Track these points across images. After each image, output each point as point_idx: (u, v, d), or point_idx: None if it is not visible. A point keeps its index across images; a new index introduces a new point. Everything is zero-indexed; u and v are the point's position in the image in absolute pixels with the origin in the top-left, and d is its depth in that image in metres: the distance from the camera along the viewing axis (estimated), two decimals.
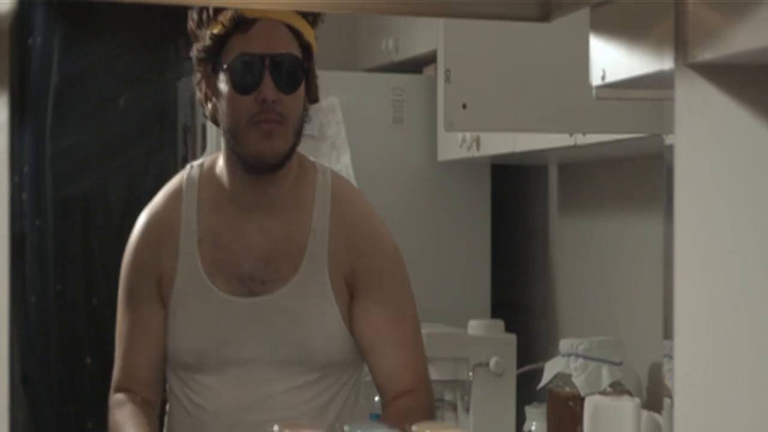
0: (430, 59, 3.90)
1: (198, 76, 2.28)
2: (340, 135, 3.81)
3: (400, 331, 2.31)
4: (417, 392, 2.30)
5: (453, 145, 3.71)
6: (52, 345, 4.94)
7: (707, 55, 1.30)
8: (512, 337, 3.52)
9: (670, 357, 1.36)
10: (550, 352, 3.53)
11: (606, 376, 3.01)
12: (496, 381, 3.46)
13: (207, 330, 2.27)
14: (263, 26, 2.21)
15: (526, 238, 4.13)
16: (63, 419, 4.97)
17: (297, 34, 2.23)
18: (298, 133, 2.26)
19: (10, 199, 1.18)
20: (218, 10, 2.22)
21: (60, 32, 4.95)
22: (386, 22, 4.28)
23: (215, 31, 2.22)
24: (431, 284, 3.88)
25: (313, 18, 2.28)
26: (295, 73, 2.22)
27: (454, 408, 3.54)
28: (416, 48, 4.05)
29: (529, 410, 3.35)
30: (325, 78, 3.97)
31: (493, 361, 3.44)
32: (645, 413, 2.62)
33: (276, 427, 2.05)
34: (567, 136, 2.93)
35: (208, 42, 2.23)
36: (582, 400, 2.64)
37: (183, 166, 4.39)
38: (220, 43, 2.23)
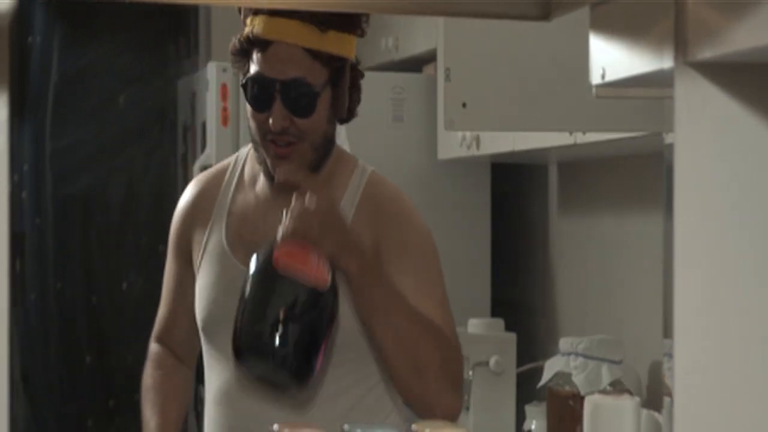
0: (430, 58, 3.90)
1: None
2: (340, 134, 3.80)
3: (428, 298, 2.25)
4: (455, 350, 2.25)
5: (453, 144, 3.71)
6: (52, 344, 4.95)
7: (707, 53, 1.30)
8: (512, 336, 3.52)
9: (670, 356, 1.36)
10: (550, 350, 3.53)
11: (606, 375, 3.01)
12: (496, 380, 3.46)
13: (220, 299, 2.28)
14: (277, 49, 2.18)
15: (526, 237, 4.13)
16: (63, 418, 4.97)
17: (318, 55, 2.18)
18: (320, 148, 2.24)
19: (10, 198, 1.18)
20: (249, 13, 2.21)
21: (60, 31, 4.95)
22: (386, 20, 4.28)
23: (241, 37, 2.21)
24: None
25: (350, 26, 2.22)
26: (308, 98, 2.19)
27: None
28: (416, 47, 4.05)
29: (529, 409, 3.36)
30: None
31: (493, 360, 3.44)
32: (645, 412, 2.62)
33: (276, 427, 2.05)
34: (567, 134, 2.93)
35: (236, 45, 2.23)
36: (582, 398, 2.64)
37: (183, 165, 4.38)
38: (246, 51, 2.22)
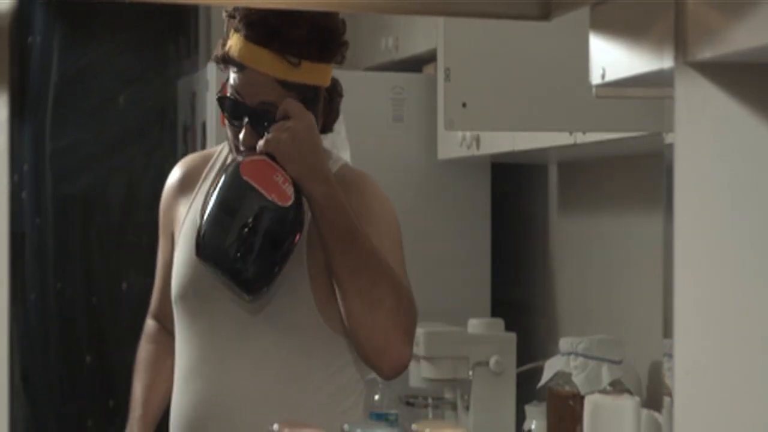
0: (430, 58, 3.90)
1: None
2: (341, 134, 3.81)
3: (389, 258, 2.27)
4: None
5: (453, 144, 3.71)
6: (51, 343, 4.94)
7: (707, 53, 1.30)
8: (512, 336, 3.52)
9: (670, 355, 1.36)
10: (550, 350, 3.53)
11: (606, 375, 3.01)
12: (496, 380, 3.46)
13: (189, 274, 2.33)
14: (250, 74, 2.23)
15: (526, 237, 4.13)
16: (63, 418, 4.97)
17: (288, 85, 2.22)
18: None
19: (10, 198, 1.18)
20: (231, 25, 2.26)
21: (60, 31, 4.95)
22: (386, 20, 4.28)
23: (220, 52, 2.28)
24: (431, 283, 3.88)
25: (328, 57, 2.28)
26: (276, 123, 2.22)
27: (454, 407, 3.54)
28: (416, 47, 4.05)
29: (529, 409, 3.36)
30: None
31: (493, 360, 3.44)
32: (645, 412, 2.62)
33: (275, 426, 2.06)
34: (567, 134, 2.93)
35: (218, 55, 2.29)
36: (582, 398, 2.64)
37: None
38: (224, 61, 2.28)
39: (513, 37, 2.40)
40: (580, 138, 2.89)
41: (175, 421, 2.39)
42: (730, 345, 1.35)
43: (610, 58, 1.55)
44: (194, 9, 5.00)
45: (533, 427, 3.29)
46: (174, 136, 4.84)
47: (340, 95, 2.38)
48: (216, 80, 3.92)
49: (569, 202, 3.89)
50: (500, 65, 2.43)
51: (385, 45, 4.26)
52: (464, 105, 2.45)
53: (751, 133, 1.35)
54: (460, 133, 3.59)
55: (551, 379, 3.10)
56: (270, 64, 2.21)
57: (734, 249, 1.35)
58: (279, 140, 2.16)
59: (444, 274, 3.92)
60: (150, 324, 2.58)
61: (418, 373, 3.51)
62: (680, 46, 1.34)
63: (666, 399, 2.25)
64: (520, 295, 4.12)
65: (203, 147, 4.08)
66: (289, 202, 2.14)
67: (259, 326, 2.29)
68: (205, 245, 2.18)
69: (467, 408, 3.46)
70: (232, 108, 2.25)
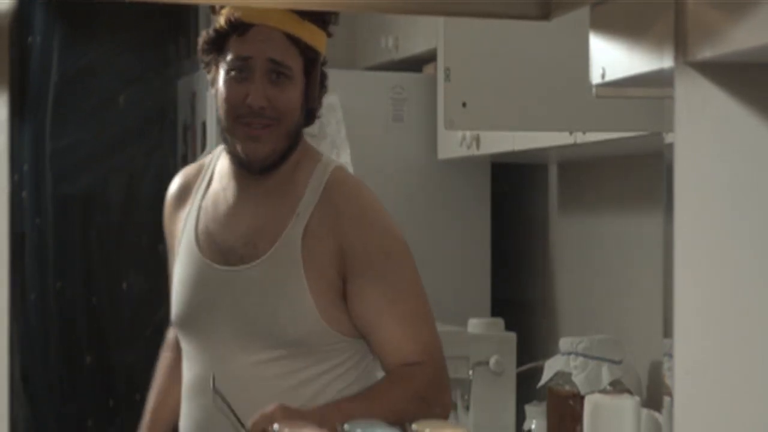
0: (430, 58, 3.90)
1: (204, 65, 2.34)
2: (341, 133, 3.81)
3: (400, 308, 2.27)
4: (424, 365, 2.26)
5: (453, 144, 3.71)
6: (52, 343, 4.95)
7: (707, 53, 1.30)
8: (512, 336, 3.52)
9: (670, 355, 1.36)
10: (550, 350, 3.53)
11: (606, 375, 3.01)
12: (496, 379, 3.46)
13: (187, 293, 2.35)
14: (258, 31, 2.23)
15: (526, 237, 4.13)
16: (63, 418, 4.97)
17: (296, 41, 2.24)
18: (292, 136, 2.29)
19: (10, 198, 1.18)
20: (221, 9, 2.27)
21: (60, 31, 4.95)
22: (386, 20, 4.28)
23: (217, 25, 2.27)
24: (431, 282, 3.86)
25: (322, 21, 2.28)
26: (286, 77, 2.24)
27: (454, 407, 3.54)
28: (416, 46, 4.05)
29: (529, 409, 3.35)
30: None
31: (493, 360, 3.44)
32: (645, 412, 2.62)
33: (276, 426, 2.06)
34: (567, 134, 2.93)
35: (212, 34, 2.28)
36: (582, 398, 2.64)
37: (183, 165, 4.41)
38: (221, 39, 2.27)
39: (513, 37, 2.40)
40: (580, 138, 2.89)
41: None
42: (730, 345, 1.35)
43: (610, 58, 1.55)
44: (194, 9, 5.00)
45: (533, 426, 3.29)
46: (174, 136, 4.84)
47: (326, 77, 2.36)
48: None
49: (569, 201, 3.89)
50: (500, 65, 2.43)
51: (385, 45, 4.26)
52: (464, 105, 2.45)
53: (751, 133, 1.35)
54: (460, 133, 3.59)
55: (551, 379, 3.10)
56: (279, 17, 2.22)
57: (734, 249, 1.35)
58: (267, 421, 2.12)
59: (444, 273, 3.92)
60: (169, 332, 2.57)
61: None
62: (680, 45, 1.34)
63: (666, 399, 2.25)
64: (520, 294, 4.12)
65: (203, 147, 4.08)
66: None
67: (261, 340, 2.26)
68: None
69: (467, 408, 3.46)
70: (243, 65, 2.23)
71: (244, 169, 2.31)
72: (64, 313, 4.96)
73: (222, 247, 2.32)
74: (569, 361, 3.06)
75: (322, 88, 2.35)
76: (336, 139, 3.81)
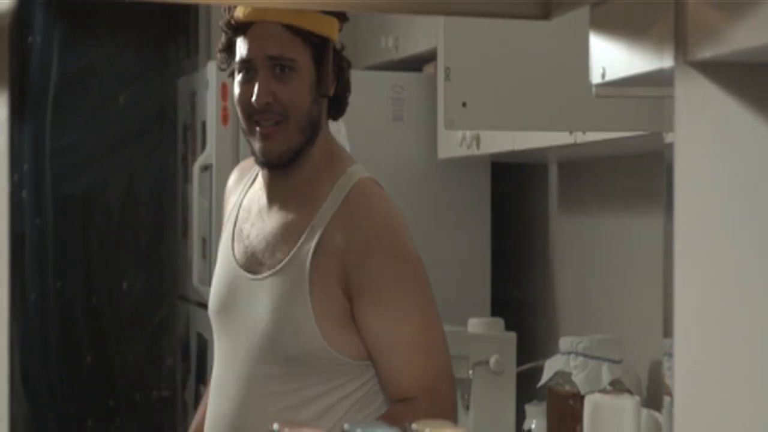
0: (430, 57, 3.90)
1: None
2: (341, 133, 3.81)
3: (397, 335, 2.20)
4: (416, 401, 2.19)
5: (453, 143, 3.71)
6: (52, 343, 4.94)
7: (707, 53, 1.30)
8: (512, 336, 3.52)
9: (670, 355, 1.36)
10: (550, 350, 3.53)
11: (606, 375, 3.01)
12: (496, 379, 3.46)
13: (216, 290, 2.36)
14: (258, 29, 2.23)
15: (526, 236, 4.13)
16: (63, 418, 4.97)
17: (298, 32, 2.22)
18: (307, 130, 2.25)
19: (10, 198, 1.18)
20: (228, 12, 2.28)
21: (60, 31, 4.95)
22: (386, 20, 4.28)
23: (224, 22, 2.29)
24: (431, 282, 3.88)
25: (334, 12, 2.27)
26: (289, 69, 2.23)
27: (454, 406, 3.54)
28: (416, 46, 4.05)
29: (529, 408, 3.35)
30: None
31: (493, 360, 3.44)
32: (645, 411, 2.62)
33: (276, 426, 2.06)
34: (567, 134, 2.92)
35: (222, 39, 2.30)
36: (582, 398, 2.64)
37: (183, 165, 4.39)
38: (229, 43, 2.29)
39: (513, 37, 2.39)
40: (580, 137, 2.88)
41: None
42: (730, 345, 1.35)
43: (610, 58, 1.55)
44: (194, 9, 5.00)
45: (533, 426, 3.29)
46: (174, 136, 4.84)
47: (349, 65, 2.35)
48: (216, 80, 3.92)
49: (569, 201, 3.89)
50: (500, 64, 2.43)
51: (385, 44, 4.26)
52: (464, 104, 2.45)
53: (751, 133, 1.35)
54: (460, 133, 3.59)
55: (551, 379, 3.10)
56: (277, 11, 2.22)
57: (734, 248, 1.35)
58: None
59: (444, 273, 3.92)
60: None
61: None
62: (680, 45, 1.34)
63: (666, 398, 2.25)
64: (520, 294, 4.12)
65: (203, 147, 4.08)
66: None
67: (267, 354, 2.23)
68: None
69: (467, 407, 3.46)
70: (245, 65, 2.24)
71: (266, 169, 2.30)
72: (64, 313, 4.95)
73: (247, 251, 2.32)
74: (569, 360, 3.06)
75: (343, 75, 2.31)
76: (336, 139, 3.81)
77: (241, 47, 2.25)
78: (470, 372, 3.44)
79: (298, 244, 2.23)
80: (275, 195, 2.31)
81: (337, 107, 2.33)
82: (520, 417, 3.44)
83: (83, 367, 4.98)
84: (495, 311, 3.93)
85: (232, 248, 2.34)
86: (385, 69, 4.25)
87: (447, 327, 3.56)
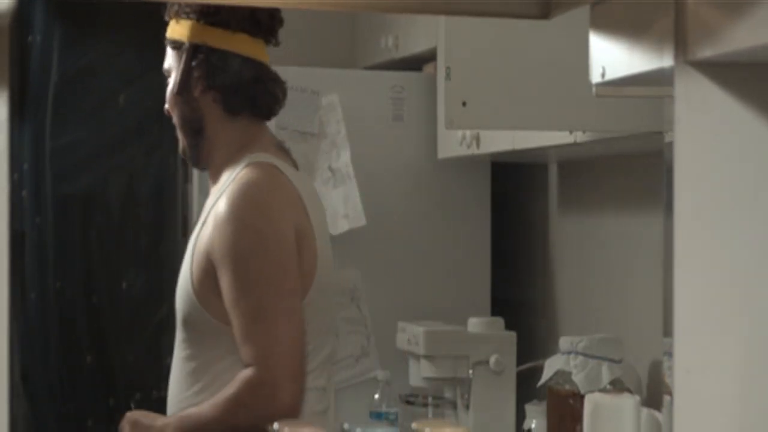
0: (430, 57, 3.89)
1: None
2: (340, 133, 3.81)
3: (241, 307, 2.33)
4: (254, 368, 2.32)
5: (453, 143, 3.71)
6: (51, 343, 4.94)
7: (707, 52, 1.30)
8: (512, 335, 3.52)
9: (670, 354, 1.36)
10: (550, 349, 3.53)
11: (606, 374, 3.01)
12: (496, 379, 3.46)
13: None
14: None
15: (526, 236, 4.13)
16: (63, 417, 4.97)
17: (170, 42, 2.60)
18: (192, 131, 2.60)
19: (10, 197, 1.18)
20: None
21: (60, 30, 4.95)
22: (386, 19, 4.28)
23: None
24: (431, 282, 3.88)
25: (184, 12, 2.52)
26: (168, 78, 2.61)
27: (454, 406, 3.54)
28: (416, 46, 4.05)
29: (529, 408, 3.35)
30: (324, 75, 3.98)
31: (493, 359, 3.44)
32: (645, 411, 2.62)
33: (276, 426, 2.06)
34: (567, 133, 2.92)
35: None
36: (582, 397, 2.64)
37: (183, 165, 4.41)
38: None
39: (513, 36, 2.40)
40: (580, 137, 2.88)
41: None
42: (730, 344, 1.35)
43: (610, 57, 1.55)
44: None
45: (533, 426, 3.29)
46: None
47: (236, 59, 2.51)
48: None
49: (569, 200, 3.89)
50: (500, 64, 2.43)
51: (385, 44, 4.26)
52: (464, 104, 2.45)
53: (751, 132, 1.35)
54: (460, 132, 3.59)
55: (551, 378, 3.10)
56: (169, 31, 2.60)
57: (734, 247, 1.35)
58: None
59: (444, 273, 3.92)
60: None
61: (418, 372, 3.51)
62: (680, 45, 1.34)
63: (666, 398, 2.25)
64: (520, 294, 4.12)
65: None
66: None
67: (179, 321, 2.51)
68: None
69: (467, 407, 3.46)
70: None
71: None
72: (64, 313, 4.95)
73: None
74: (569, 360, 3.06)
75: (217, 70, 2.51)
76: (336, 139, 3.81)
77: None
78: (470, 371, 3.44)
79: (199, 222, 2.47)
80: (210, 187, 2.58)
81: (241, 102, 2.51)
82: (520, 416, 3.44)
83: (83, 367, 4.98)
84: (495, 311, 3.93)
85: None
86: (385, 68, 4.25)
87: (447, 326, 3.58)
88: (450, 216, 3.94)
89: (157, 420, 2.46)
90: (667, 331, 1.37)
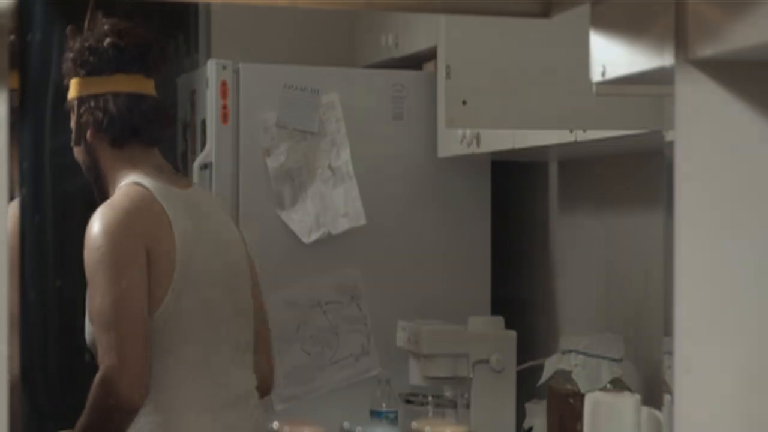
0: (430, 55, 3.89)
1: None
2: (340, 131, 3.81)
3: (92, 315, 2.68)
4: (100, 368, 2.79)
5: (453, 142, 3.71)
6: (51, 341, 4.94)
7: (708, 51, 1.30)
8: (512, 334, 3.52)
9: (670, 353, 1.36)
10: (551, 348, 3.53)
11: (606, 373, 3.01)
12: (497, 378, 3.46)
13: None
14: None
15: (526, 235, 4.13)
16: (63, 416, 4.96)
17: (69, 104, 2.89)
18: (95, 175, 2.99)
19: (9, 196, 1.18)
20: None
21: (60, 28, 4.94)
22: (386, 18, 4.28)
23: None
24: (431, 281, 3.88)
25: (76, 72, 2.85)
26: None
27: (454, 405, 3.54)
28: (416, 44, 4.05)
29: (530, 407, 3.36)
30: (324, 74, 3.98)
31: (493, 358, 3.44)
32: (645, 410, 2.62)
33: (275, 425, 2.06)
34: (567, 132, 2.92)
35: None
36: (582, 396, 2.64)
37: (182, 162, 4.43)
38: None
39: (514, 35, 2.39)
40: (581, 135, 2.88)
41: None
42: (730, 343, 1.35)
43: (611, 56, 1.55)
44: (194, 7, 5.00)
45: (534, 425, 3.29)
46: (173, 134, 4.83)
47: (142, 111, 2.89)
48: (216, 78, 3.92)
49: (569, 199, 3.89)
50: (501, 63, 2.42)
51: (385, 42, 4.25)
52: (464, 102, 2.45)
53: (752, 131, 1.35)
54: (460, 131, 3.59)
55: (551, 377, 3.10)
56: None
57: (734, 246, 1.35)
58: None
59: (444, 272, 3.92)
60: None
61: (419, 371, 3.51)
62: (681, 43, 1.34)
63: (666, 397, 2.25)
64: (520, 293, 4.12)
65: (203, 145, 4.08)
66: None
67: None
68: None
69: (467, 406, 3.46)
70: None
71: None
72: (63, 311, 4.95)
73: None
74: (569, 359, 3.06)
75: (89, 117, 2.85)
76: (336, 138, 3.80)
77: None
78: (470, 370, 3.44)
79: None
80: None
81: (124, 134, 2.83)
82: (521, 415, 3.44)
83: (83, 366, 4.97)
84: (495, 310, 3.93)
85: None
86: (385, 67, 4.25)
87: (447, 326, 3.58)
88: (450, 215, 3.94)
89: None
90: (668, 329, 1.37)
